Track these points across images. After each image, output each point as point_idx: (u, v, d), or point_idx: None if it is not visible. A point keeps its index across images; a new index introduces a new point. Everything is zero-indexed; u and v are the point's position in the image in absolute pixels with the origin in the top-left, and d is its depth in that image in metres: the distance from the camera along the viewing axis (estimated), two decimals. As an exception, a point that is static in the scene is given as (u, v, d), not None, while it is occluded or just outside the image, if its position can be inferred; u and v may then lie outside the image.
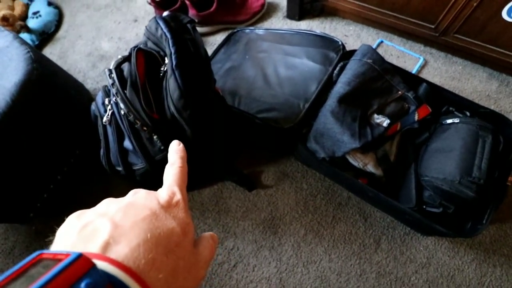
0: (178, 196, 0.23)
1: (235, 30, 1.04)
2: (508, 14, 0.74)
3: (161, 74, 0.52)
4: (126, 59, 0.53)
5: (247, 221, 0.81)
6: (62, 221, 0.22)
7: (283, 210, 0.81)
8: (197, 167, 0.72)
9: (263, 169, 0.87)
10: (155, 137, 0.53)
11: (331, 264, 0.75)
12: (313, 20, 1.09)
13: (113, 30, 1.18)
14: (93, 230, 0.19)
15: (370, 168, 0.68)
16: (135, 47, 0.54)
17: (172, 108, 0.50)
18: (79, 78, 1.06)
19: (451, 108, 0.73)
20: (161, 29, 0.51)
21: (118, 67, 0.52)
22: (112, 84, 0.48)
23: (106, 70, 0.50)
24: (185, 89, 0.49)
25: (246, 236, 0.79)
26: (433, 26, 0.86)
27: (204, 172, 0.78)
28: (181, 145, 0.28)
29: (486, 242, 0.74)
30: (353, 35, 1.04)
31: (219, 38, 1.10)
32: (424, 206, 0.66)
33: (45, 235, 0.22)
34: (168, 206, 0.22)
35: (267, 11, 1.14)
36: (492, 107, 0.88)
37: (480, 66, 0.94)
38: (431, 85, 0.73)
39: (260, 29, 0.99)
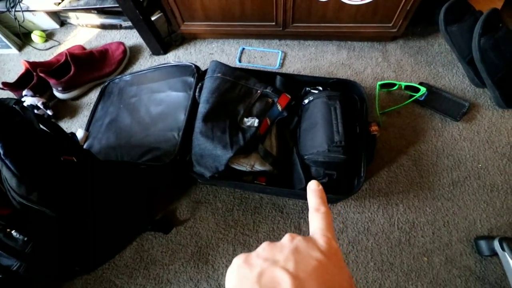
0: (334, 245, 0.23)
1: (106, 83, 1.03)
2: (320, -4, 0.85)
3: (-6, 168, 0.49)
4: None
5: (176, 262, 0.79)
6: None
7: (207, 236, 0.81)
8: (93, 237, 0.68)
9: (176, 206, 0.86)
10: (13, 232, 0.49)
11: (266, 267, 0.76)
12: (178, 49, 1.13)
13: (-25, 127, 1.07)
14: (272, 282, 0.20)
15: (258, 167, 0.72)
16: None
17: (17, 197, 0.47)
18: None
19: (308, 89, 0.81)
20: (-23, 123, 0.48)
21: None
22: None
23: None
24: (22, 174, 0.46)
25: (181, 277, 0.77)
26: (274, 23, 0.96)
27: (106, 238, 0.75)
28: (320, 186, 0.28)
29: (383, 187, 0.83)
30: (217, 51, 1.10)
31: (94, 96, 1.07)
32: (315, 181, 0.71)
33: None
34: (329, 256, 0.22)
35: (133, 54, 1.14)
36: (348, 72, 1.01)
37: (328, 42, 1.06)
38: (284, 76, 0.81)
39: (126, 75, 1.00)
